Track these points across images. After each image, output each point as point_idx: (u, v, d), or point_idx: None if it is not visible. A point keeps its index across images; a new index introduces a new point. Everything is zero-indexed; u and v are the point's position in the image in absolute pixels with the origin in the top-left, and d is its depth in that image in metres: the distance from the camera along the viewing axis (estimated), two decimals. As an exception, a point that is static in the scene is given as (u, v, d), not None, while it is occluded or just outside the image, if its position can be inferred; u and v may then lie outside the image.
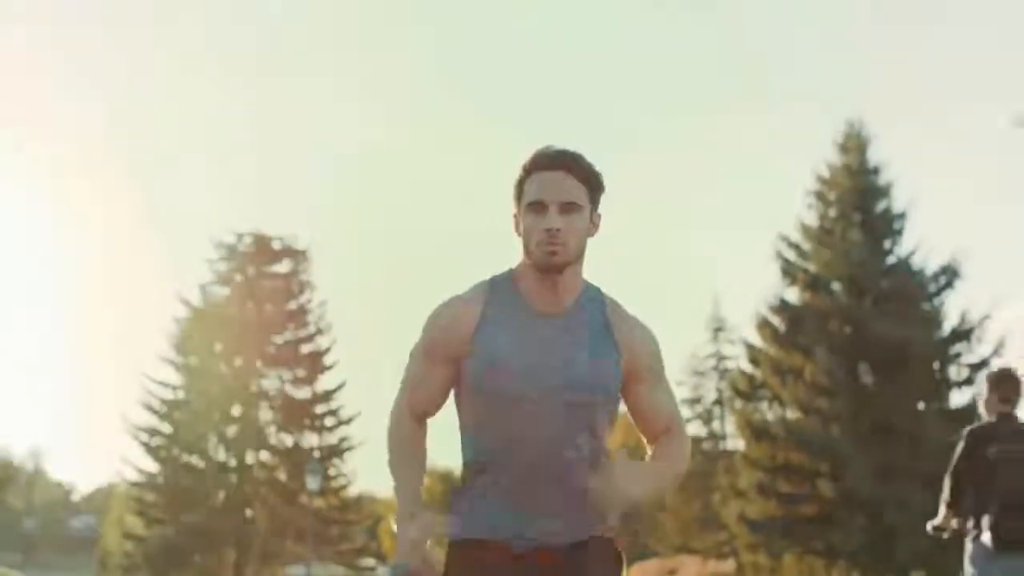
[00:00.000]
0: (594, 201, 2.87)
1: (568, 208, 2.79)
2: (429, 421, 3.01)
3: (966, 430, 6.14)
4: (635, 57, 75.44)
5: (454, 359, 2.85)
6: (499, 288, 2.89)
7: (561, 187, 2.79)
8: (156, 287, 73.46)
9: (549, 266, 2.79)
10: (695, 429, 42.89)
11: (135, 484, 36.04)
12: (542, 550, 2.81)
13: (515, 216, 2.88)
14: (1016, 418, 5.98)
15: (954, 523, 6.05)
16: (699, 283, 75.57)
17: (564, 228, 2.77)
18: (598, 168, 2.88)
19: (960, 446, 6.01)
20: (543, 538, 2.81)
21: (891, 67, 65.74)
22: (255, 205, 71.75)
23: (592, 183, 2.85)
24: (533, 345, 2.80)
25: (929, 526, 6.29)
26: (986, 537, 5.79)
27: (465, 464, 2.88)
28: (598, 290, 2.93)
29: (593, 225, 2.88)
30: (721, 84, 73.81)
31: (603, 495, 2.71)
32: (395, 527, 2.84)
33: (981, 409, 6.16)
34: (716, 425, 42.90)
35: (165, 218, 75.70)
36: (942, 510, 6.08)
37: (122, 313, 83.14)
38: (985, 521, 5.79)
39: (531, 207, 2.81)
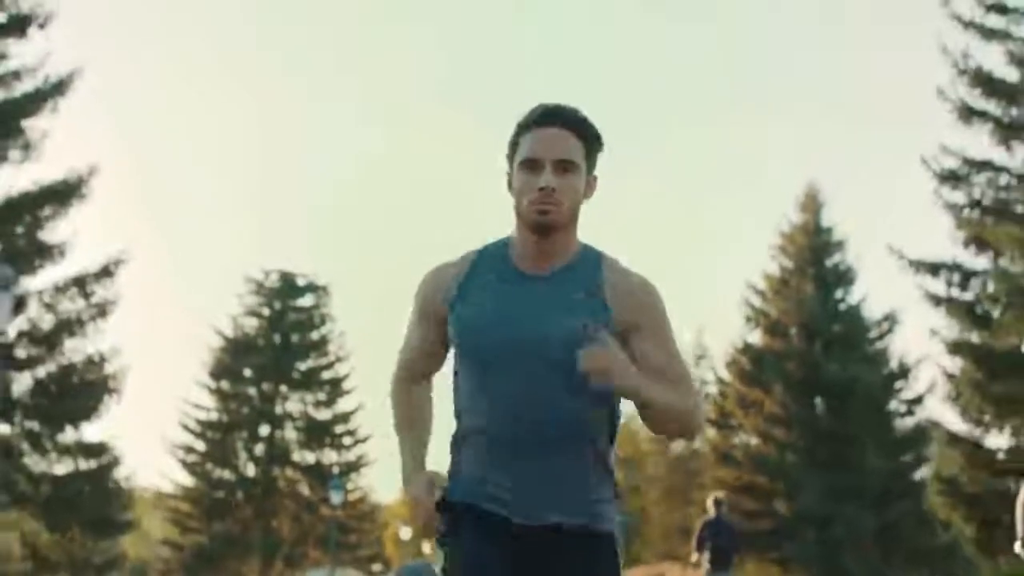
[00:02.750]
0: (591, 161, 2.79)
1: (563, 167, 2.71)
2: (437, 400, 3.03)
3: (702, 520, 14.00)
4: (635, 62, 78.94)
5: (440, 320, 2.86)
6: (488, 252, 2.87)
7: (557, 144, 2.72)
8: (151, 294, 77.40)
9: (540, 226, 2.73)
10: (678, 447, 48.16)
11: (172, 495, 40.74)
12: (530, 527, 2.75)
13: (508, 175, 2.81)
14: (723, 516, 13.80)
15: (701, 558, 13.59)
16: (687, 303, 79.77)
17: (558, 187, 2.70)
18: (596, 125, 2.80)
19: (699, 526, 13.71)
20: (527, 512, 2.76)
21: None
22: (278, 241, 75.87)
23: (590, 141, 2.78)
24: (512, 304, 2.76)
25: (692, 558, 13.87)
26: (706, 563, 13.43)
27: (455, 430, 2.88)
28: (597, 251, 2.85)
29: (589, 187, 2.80)
30: (717, 95, 77.67)
31: (587, 357, 2.60)
32: (404, 488, 2.88)
33: (709, 506, 13.32)
34: (698, 444, 47.98)
35: (172, 231, 79.77)
36: (695, 553, 13.70)
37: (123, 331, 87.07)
38: (707, 556, 13.40)
39: (524, 165, 2.74)
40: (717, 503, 14.01)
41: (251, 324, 41.67)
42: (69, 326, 20.51)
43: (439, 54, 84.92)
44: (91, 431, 21.55)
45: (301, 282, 42.28)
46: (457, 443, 2.87)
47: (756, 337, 34.66)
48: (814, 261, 34.17)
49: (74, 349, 20.75)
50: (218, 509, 39.76)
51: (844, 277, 34.36)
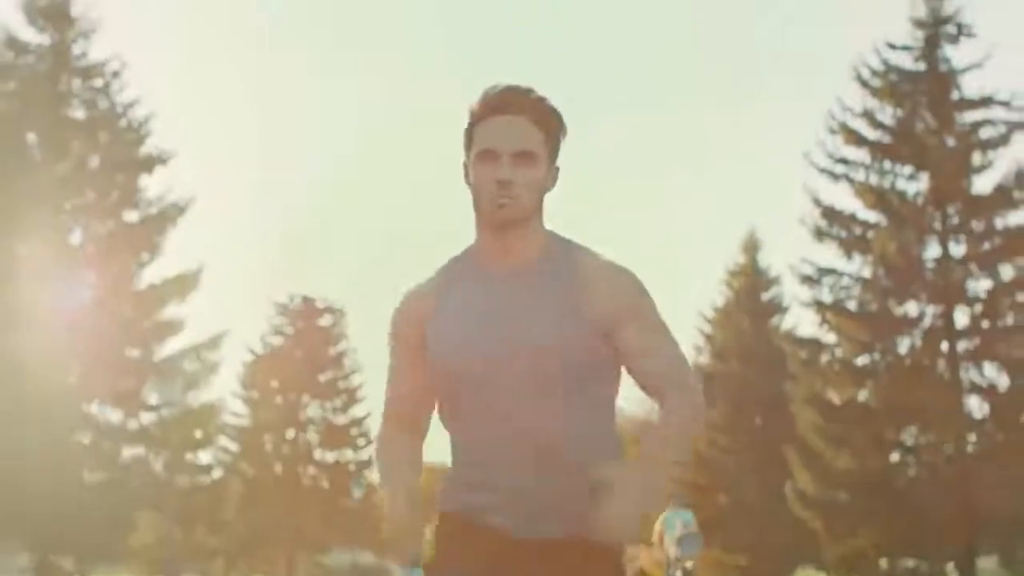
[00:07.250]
0: (552, 148, 2.76)
1: (522, 157, 2.68)
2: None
3: None
4: (638, 60, 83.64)
5: (422, 350, 2.81)
6: (455, 262, 2.83)
7: (514, 134, 2.69)
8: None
9: (499, 221, 2.71)
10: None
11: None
12: (529, 544, 2.73)
13: (465, 166, 2.77)
14: None
15: None
16: (669, 300, 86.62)
17: (517, 180, 2.67)
18: (557, 109, 2.75)
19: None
20: (526, 529, 2.74)
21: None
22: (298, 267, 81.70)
23: (550, 128, 2.74)
24: (478, 312, 2.73)
25: None
26: None
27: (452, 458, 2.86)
28: (567, 242, 2.81)
29: (550, 177, 2.77)
30: (712, 84, 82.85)
31: (601, 526, 2.55)
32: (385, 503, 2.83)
33: None
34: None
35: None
36: None
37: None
38: None
39: (481, 156, 2.70)
40: None
41: (277, 341, 48.81)
42: (188, 382, 30.03)
43: (441, 54, 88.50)
44: (204, 456, 31.34)
45: (320, 305, 49.48)
46: (451, 477, 2.85)
47: (705, 359, 43.95)
48: (752, 296, 43.44)
49: (193, 398, 30.40)
50: (250, 504, 45.57)
51: (778, 309, 43.65)
